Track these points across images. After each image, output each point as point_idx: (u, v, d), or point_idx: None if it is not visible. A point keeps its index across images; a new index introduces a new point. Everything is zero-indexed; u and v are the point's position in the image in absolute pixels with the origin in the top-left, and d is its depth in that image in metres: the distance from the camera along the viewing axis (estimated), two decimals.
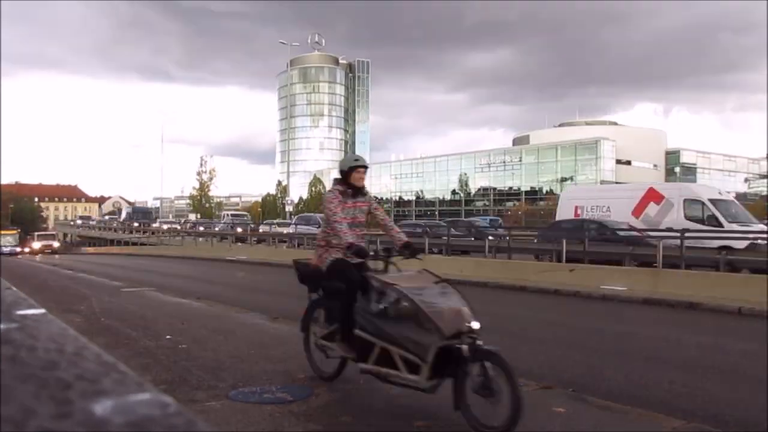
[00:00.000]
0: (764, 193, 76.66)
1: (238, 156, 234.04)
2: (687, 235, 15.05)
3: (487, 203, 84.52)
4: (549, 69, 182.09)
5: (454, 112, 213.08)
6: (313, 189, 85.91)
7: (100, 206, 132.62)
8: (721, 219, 18.53)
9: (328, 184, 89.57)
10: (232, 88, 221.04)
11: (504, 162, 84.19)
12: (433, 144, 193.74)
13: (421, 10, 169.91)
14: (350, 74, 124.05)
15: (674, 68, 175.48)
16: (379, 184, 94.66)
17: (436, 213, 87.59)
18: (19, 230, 59.00)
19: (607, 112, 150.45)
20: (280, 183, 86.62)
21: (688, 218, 19.03)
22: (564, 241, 16.64)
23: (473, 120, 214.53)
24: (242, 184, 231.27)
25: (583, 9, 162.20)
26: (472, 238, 24.81)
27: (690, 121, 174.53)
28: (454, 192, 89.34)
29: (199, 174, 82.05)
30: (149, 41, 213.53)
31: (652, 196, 20.79)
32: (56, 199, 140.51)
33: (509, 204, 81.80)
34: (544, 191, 78.77)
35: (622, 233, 18.29)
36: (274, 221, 43.72)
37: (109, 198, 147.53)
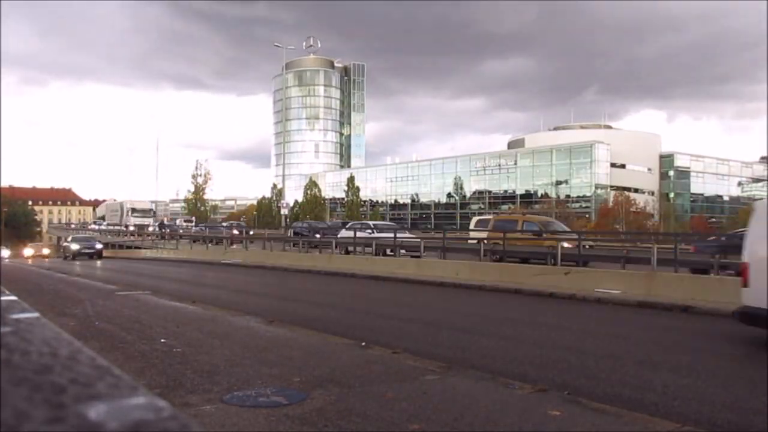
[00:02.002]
0: (758, 198, 76.94)
1: (244, 160, 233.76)
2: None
3: (482, 206, 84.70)
4: (561, 76, 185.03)
5: (469, 118, 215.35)
6: (309, 192, 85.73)
7: (94, 210, 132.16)
8: None
9: (324, 187, 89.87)
10: (262, 95, 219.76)
11: (499, 165, 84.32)
12: (444, 148, 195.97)
13: (436, 19, 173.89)
14: (345, 77, 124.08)
15: (678, 78, 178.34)
16: (374, 187, 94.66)
17: (432, 216, 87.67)
18: None
19: (614, 118, 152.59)
20: (275, 186, 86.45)
21: None
22: None
23: (487, 126, 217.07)
24: (245, 187, 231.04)
25: (595, 21, 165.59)
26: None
27: (692, 127, 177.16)
28: (449, 195, 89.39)
29: (194, 177, 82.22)
30: (181, 50, 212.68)
31: None
32: (50, 202, 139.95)
33: (504, 207, 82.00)
34: (539, 194, 78.96)
35: None
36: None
37: (104, 201, 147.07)
